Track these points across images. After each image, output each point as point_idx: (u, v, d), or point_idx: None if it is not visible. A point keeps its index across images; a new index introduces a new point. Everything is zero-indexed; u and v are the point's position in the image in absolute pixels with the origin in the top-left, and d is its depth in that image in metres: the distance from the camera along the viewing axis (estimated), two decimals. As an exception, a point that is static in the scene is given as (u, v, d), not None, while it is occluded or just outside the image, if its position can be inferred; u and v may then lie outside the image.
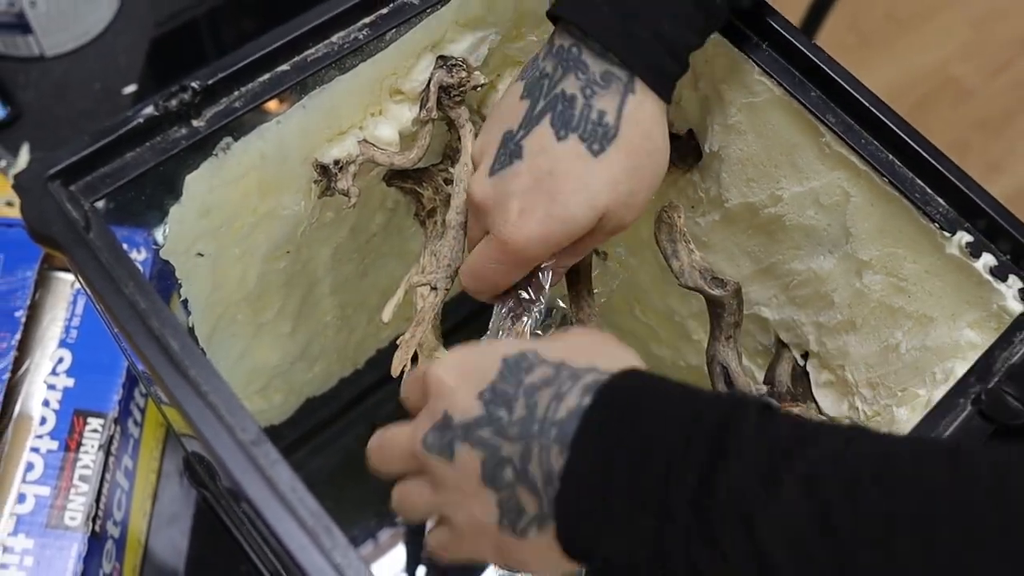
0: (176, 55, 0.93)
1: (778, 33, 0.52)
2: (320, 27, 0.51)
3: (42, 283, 0.67)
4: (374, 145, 0.56)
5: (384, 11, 0.53)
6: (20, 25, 0.86)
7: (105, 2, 0.91)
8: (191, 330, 0.57)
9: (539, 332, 0.52)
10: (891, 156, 0.51)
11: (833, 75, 0.51)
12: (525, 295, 0.51)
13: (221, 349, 0.62)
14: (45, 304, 0.67)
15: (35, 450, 0.62)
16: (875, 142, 0.51)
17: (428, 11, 0.54)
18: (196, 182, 0.50)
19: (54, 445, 0.62)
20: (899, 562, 0.30)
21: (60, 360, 0.65)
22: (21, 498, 0.61)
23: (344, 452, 0.80)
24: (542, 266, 0.51)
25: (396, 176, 0.60)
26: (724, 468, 0.33)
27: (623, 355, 0.41)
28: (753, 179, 0.58)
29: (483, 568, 0.70)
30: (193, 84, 0.47)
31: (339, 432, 0.81)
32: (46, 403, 0.64)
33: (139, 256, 0.67)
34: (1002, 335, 0.48)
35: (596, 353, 0.40)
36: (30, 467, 0.62)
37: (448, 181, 0.59)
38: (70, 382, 0.65)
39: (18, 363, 0.64)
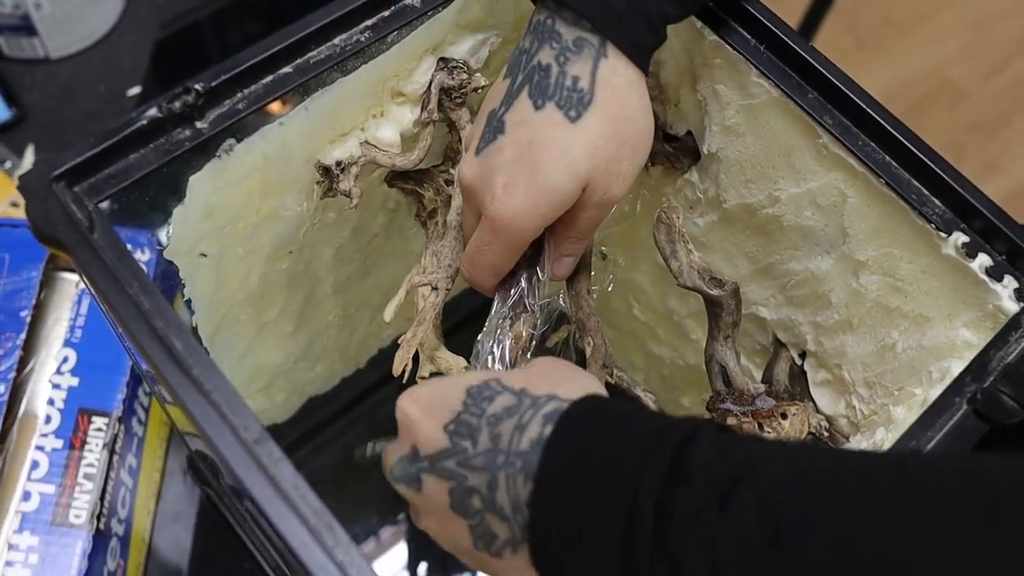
0: (180, 57, 0.93)
1: (776, 35, 0.52)
2: (322, 29, 0.51)
3: (47, 283, 0.67)
4: (376, 146, 0.56)
5: (386, 13, 0.53)
6: (25, 27, 0.86)
7: (110, 4, 0.91)
8: (194, 330, 0.57)
9: (533, 332, 0.52)
10: (888, 157, 0.51)
11: (830, 77, 0.51)
12: (524, 284, 0.51)
13: (224, 348, 0.62)
14: (50, 304, 0.67)
15: (40, 448, 0.62)
16: (872, 143, 0.51)
17: (429, 13, 0.54)
18: (199, 183, 0.50)
19: (59, 444, 0.62)
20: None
21: (65, 359, 0.65)
22: (26, 496, 0.61)
23: (346, 450, 0.80)
24: (542, 256, 0.51)
25: (397, 177, 0.60)
26: (680, 495, 0.33)
27: (584, 381, 0.41)
28: (751, 180, 0.58)
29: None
30: (197, 86, 0.47)
31: (341, 431, 0.81)
32: (51, 402, 0.64)
33: (143, 256, 0.67)
34: (997, 334, 0.48)
35: (557, 380, 0.41)
36: (35, 465, 0.62)
37: (449, 182, 0.59)
38: (75, 381, 0.65)
39: (23, 362, 0.64)
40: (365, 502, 0.78)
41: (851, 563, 0.30)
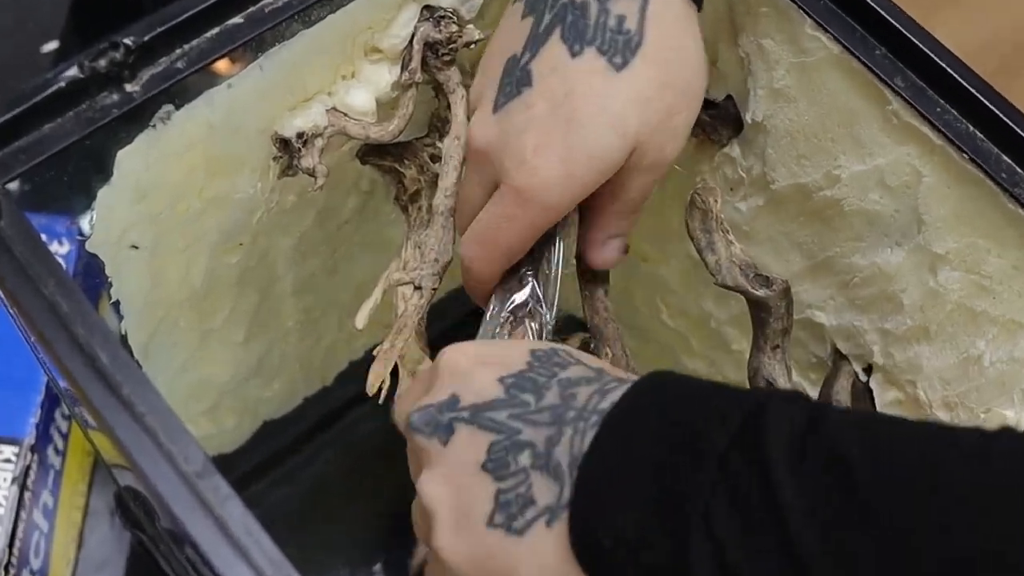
0: (105, 5, 0.93)
1: (835, -22, 0.52)
2: (280, -29, 0.51)
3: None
4: (346, 114, 0.56)
5: (358, -49, 0.53)
6: (-83, -31, 0.86)
7: (20, -59, 0.91)
8: (124, 338, 0.57)
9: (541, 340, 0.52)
10: (972, 127, 0.50)
11: (903, 30, 0.51)
12: (531, 280, 0.51)
13: (160, 361, 0.62)
14: (-53, 307, 0.67)
15: (-65, 483, 0.62)
16: (953, 111, 0.51)
17: (411, -48, 0.54)
18: (130, 159, 0.50)
19: (-42, 478, 0.62)
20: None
21: (-35, 375, 0.65)
22: (-82, 542, 0.61)
23: (310, 486, 0.80)
24: (551, 243, 0.51)
25: (373, 152, 0.60)
26: (758, 432, 0.35)
27: None
28: (805, 155, 0.58)
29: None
30: (126, 41, 0.47)
31: (304, 462, 0.81)
32: (-52, 427, 0.64)
33: (61, 249, 0.67)
34: (1107, 344, 0.48)
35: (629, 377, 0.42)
36: (-71, 504, 0.62)
37: (435, 158, 0.59)
38: (-23, 401, 0.65)
39: (-86, 378, 0.64)
40: (333, 549, 0.77)
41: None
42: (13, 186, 0.46)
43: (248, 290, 0.64)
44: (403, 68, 0.56)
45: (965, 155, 0.51)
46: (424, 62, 0.57)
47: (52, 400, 0.67)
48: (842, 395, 0.61)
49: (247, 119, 0.54)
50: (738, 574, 0.34)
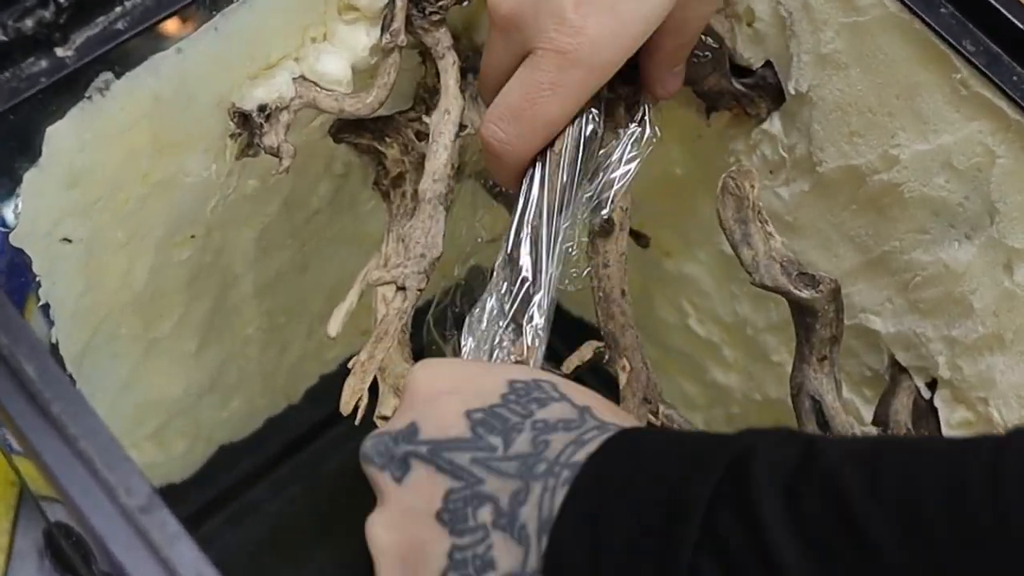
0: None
1: (893, -76, 0.53)
2: (239, -85, 0.51)
3: None
4: (316, 84, 0.56)
5: None
6: None
7: None
8: (55, 347, 0.57)
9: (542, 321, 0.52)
10: (1055, 100, 0.51)
11: (973, -16, 0.51)
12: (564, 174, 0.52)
13: (98, 375, 0.62)
14: None
15: None
16: (1033, 80, 0.51)
17: None
18: (61, 137, 0.50)
19: None
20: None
21: None
22: None
23: (272, 523, 0.80)
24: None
25: (348, 128, 0.60)
26: (735, 491, 0.36)
27: None
28: (857, 132, 0.58)
29: None
30: (57, -4, 0.47)
31: (266, 494, 0.81)
32: None
33: (-19, 243, 0.67)
34: None
35: (620, 415, 0.43)
36: None
37: (421, 135, 0.59)
38: None
39: None
40: (300, 596, 0.78)
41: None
42: (-76, 169, 0.46)
43: (201, 292, 0.64)
44: (384, 29, 0.56)
45: (1047, 132, 0.51)
46: (409, 22, 0.57)
47: (-30, 421, 0.67)
48: (902, 415, 0.61)
49: (200, 90, 0.54)
50: None
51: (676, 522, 0.36)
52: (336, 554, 0.80)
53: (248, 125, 0.55)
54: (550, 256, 0.52)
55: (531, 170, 0.52)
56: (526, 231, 0.52)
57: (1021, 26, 0.51)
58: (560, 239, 0.52)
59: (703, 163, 0.68)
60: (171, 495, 0.74)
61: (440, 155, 0.56)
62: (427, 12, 0.57)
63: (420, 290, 0.55)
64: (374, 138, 0.60)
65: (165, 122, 0.54)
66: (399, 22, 0.56)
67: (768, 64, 0.61)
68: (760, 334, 0.71)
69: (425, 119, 0.59)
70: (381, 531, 0.42)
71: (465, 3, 0.58)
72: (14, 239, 0.52)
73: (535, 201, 0.52)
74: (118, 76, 0.50)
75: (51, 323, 0.56)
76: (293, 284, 0.70)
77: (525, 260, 0.52)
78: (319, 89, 0.56)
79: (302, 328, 0.74)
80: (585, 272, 0.56)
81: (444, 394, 0.43)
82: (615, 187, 0.55)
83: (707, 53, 0.60)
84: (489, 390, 0.42)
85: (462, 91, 0.57)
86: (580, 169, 0.53)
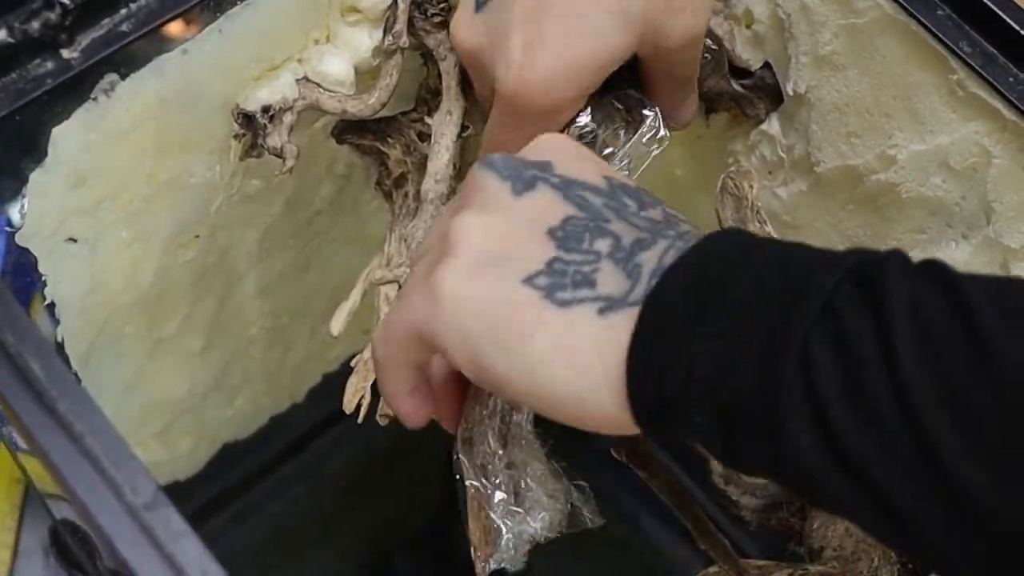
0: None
1: (891, -74, 0.53)
2: (243, -82, 0.51)
3: None
4: (319, 85, 0.56)
5: None
6: None
7: None
8: (60, 346, 0.57)
9: None
10: (1051, 100, 0.51)
11: (969, -14, 0.51)
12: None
13: (104, 374, 0.62)
14: None
15: None
16: (1029, 81, 0.51)
17: None
18: (67, 137, 0.50)
19: None
20: None
21: None
22: None
23: (276, 521, 0.80)
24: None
25: (351, 129, 0.60)
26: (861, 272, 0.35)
27: None
28: (855, 133, 0.58)
29: None
30: (63, -1, 0.47)
31: (270, 491, 0.81)
32: None
33: (-13, 243, 0.67)
34: None
35: None
36: None
37: (424, 136, 0.59)
38: None
39: None
40: (304, 593, 0.78)
41: None
42: (-69, 169, 0.46)
43: (205, 292, 0.64)
44: (386, 31, 0.56)
45: (1043, 132, 0.51)
46: (411, 24, 0.57)
47: (-24, 420, 0.67)
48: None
49: (204, 91, 0.54)
50: (839, 434, 0.33)
51: (797, 297, 0.34)
52: (336, 553, 0.80)
53: (252, 126, 0.55)
54: None
55: None
56: None
57: (1017, 28, 0.51)
58: None
59: (702, 163, 0.68)
60: (176, 493, 0.74)
61: (442, 156, 0.56)
62: (429, 14, 0.57)
63: (422, 289, 0.55)
64: (376, 139, 0.60)
65: (170, 123, 0.54)
66: (401, 24, 0.56)
67: (767, 65, 0.61)
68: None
69: (427, 120, 0.59)
70: (473, 225, 0.39)
71: (467, 5, 0.58)
72: (20, 239, 0.52)
73: None
74: (123, 77, 0.50)
75: (57, 322, 0.56)
76: (296, 284, 0.70)
77: None
78: (322, 90, 0.56)
79: (305, 327, 0.74)
80: None
81: (585, 157, 0.42)
82: None
83: (706, 55, 0.60)
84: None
85: (463, 92, 0.57)
86: None
